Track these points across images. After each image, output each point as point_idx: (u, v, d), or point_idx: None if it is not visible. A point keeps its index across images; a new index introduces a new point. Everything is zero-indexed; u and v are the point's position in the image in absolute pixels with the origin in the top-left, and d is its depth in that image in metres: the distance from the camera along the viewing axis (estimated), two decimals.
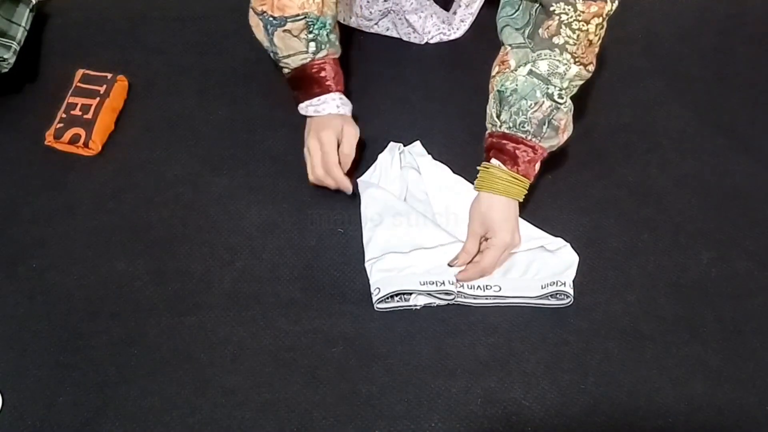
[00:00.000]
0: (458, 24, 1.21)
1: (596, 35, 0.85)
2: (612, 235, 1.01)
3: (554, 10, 0.83)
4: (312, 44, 0.97)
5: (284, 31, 0.96)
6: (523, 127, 0.88)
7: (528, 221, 1.00)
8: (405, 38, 1.22)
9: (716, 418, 0.85)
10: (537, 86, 0.87)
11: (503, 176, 0.90)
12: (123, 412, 0.85)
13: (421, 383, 0.88)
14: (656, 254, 0.99)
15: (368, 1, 1.18)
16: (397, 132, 1.10)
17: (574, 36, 0.84)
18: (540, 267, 0.94)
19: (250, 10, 0.98)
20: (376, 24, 1.22)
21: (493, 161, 0.91)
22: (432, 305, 0.93)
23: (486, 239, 0.93)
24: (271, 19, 0.96)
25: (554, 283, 0.92)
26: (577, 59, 0.86)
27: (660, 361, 0.89)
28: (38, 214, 1.03)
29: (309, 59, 0.98)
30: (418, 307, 0.93)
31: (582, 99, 1.15)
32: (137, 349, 0.90)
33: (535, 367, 0.89)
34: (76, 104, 1.11)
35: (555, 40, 0.85)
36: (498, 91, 0.90)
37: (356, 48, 1.23)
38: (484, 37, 1.22)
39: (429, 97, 1.14)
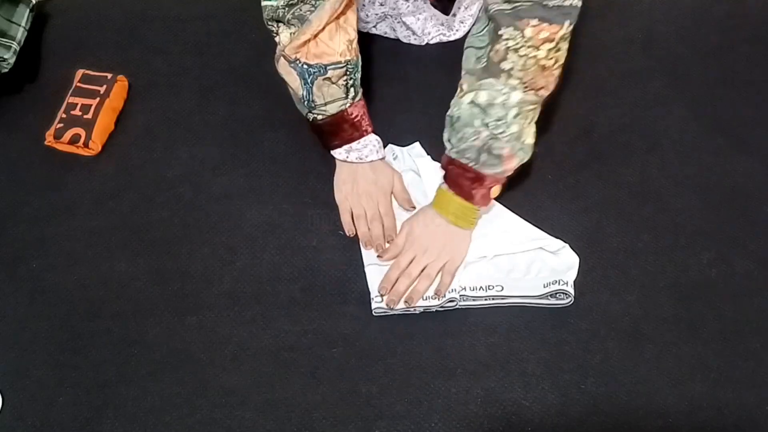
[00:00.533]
0: (458, 25, 1.21)
1: (550, 59, 0.81)
2: (612, 235, 1.00)
3: (501, 35, 0.80)
4: (351, 90, 0.96)
5: (324, 79, 0.93)
6: (465, 153, 0.88)
7: (528, 221, 1.00)
8: (405, 40, 1.22)
9: (716, 418, 0.85)
10: (476, 116, 0.86)
11: (453, 204, 0.93)
12: (123, 412, 0.85)
13: (421, 383, 0.88)
14: (656, 254, 0.99)
15: (364, 5, 1.17)
16: (397, 132, 1.10)
17: (521, 62, 0.81)
18: (541, 267, 0.94)
19: (281, 57, 0.93)
20: (373, 27, 1.22)
21: (444, 186, 0.94)
22: (431, 310, 0.93)
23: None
24: (307, 67, 0.92)
25: (556, 282, 0.92)
26: (526, 85, 0.82)
27: (660, 361, 0.89)
28: (38, 214, 1.03)
29: (348, 105, 0.96)
30: (418, 312, 0.93)
31: (582, 99, 1.15)
32: (137, 349, 0.90)
33: (535, 368, 0.89)
34: (76, 104, 1.11)
35: (502, 65, 0.82)
36: (449, 115, 0.90)
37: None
38: None
39: (429, 97, 1.14)
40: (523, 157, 0.89)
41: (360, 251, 0.98)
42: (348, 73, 0.94)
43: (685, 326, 0.92)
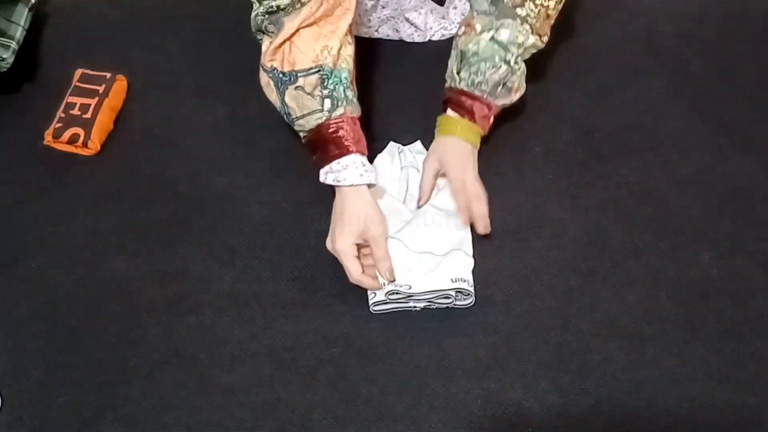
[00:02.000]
0: (459, 18, 1.21)
1: (554, 10, 0.95)
2: (612, 235, 1.00)
3: None
4: (327, 101, 0.88)
5: (296, 88, 0.88)
6: (480, 86, 0.96)
7: (528, 221, 1.00)
8: (408, 40, 1.22)
9: (717, 418, 0.85)
10: (497, 51, 0.95)
11: (460, 124, 0.98)
12: (123, 413, 0.85)
13: (421, 383, 0.87)
14: (657, 254, 0.98)
15: (366, 10, 1.17)
16: (397, 132, 1.10)
17: (536, 10, 0.93)
18: (448, 264, 0.93)
19: (260, 68, 0.91)
20: (376, 31, 1.22)
21: (450, 112, 0.99)
22: (431, 307, 0.93)
23: (442, 175, 1.00)
24: (281, 76, 0.89)
25: (463, 279, 0.91)
26: (534, 30, 0.95)
27: (661, 361, 0.89)
28: (38, 214, 1.03)
29: (325, 118, 0.89)
30: (418, 309, 0.93)
31: (582, 99, 1.15)
32: (137, 349, 0.90)
33: (536, 368, 0.89)
34: (75, 104, 1.11)
35: (518, 11, 0.93)
36: (461, 50, 0.97)
37: (356, 47, 1.22)
38: None
39: (429, 96, 1.14)
40: (522, 91, 1.00)
41: None
42: (323, 81, 0.88)
43: (685, 326, 0.92)
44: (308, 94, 0.89)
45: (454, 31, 1.21)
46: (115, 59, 1.20)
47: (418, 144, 1.07)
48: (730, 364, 0.89)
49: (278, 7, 0.85)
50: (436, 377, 0.88)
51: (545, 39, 0.98)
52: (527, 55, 0.98)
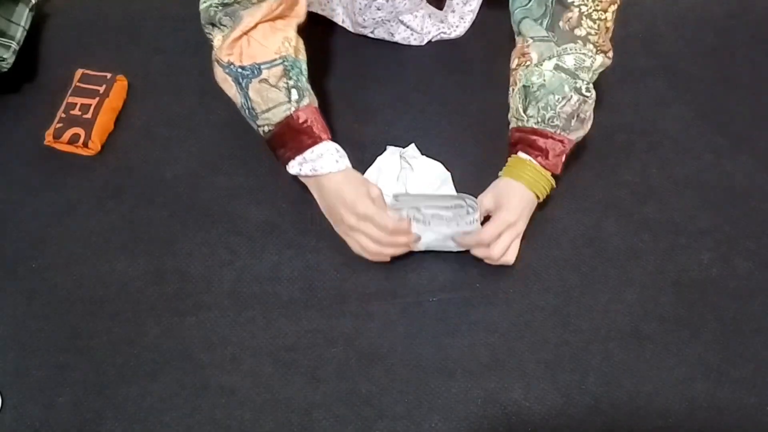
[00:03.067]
0: (457, 22, 1.21)
1: (612, 21, 0.88)
2: (612, 234, 1.00)
3: (573, 2, 0.85)
4: (294, 91, 0.87)
5: (260, 81, 0.86)
6: (552, 122, 0.88)
7: (528, 221, 1.00)
8: (404, 42, 1.22)
9: (717, 418, 0.85)
10: (565, 81, 0.87)
11: (531, 168, 0.90)
12: (123, 413, 0.85)
13: (421, 383, 0.87)
14: (656, 254, 0.98)
15: (360, 8, 1.17)
16: (396, 132, 1.10)
17: (595, 26, 0.85)
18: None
19: (214, 63, 0.88)
20: (371, 32, 1.21)
21: (521, 155, 0.91)
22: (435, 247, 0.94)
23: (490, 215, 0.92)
24: (241, 70, 0.86)
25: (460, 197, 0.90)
26: (598, 48, 0.88)
27: (660, 361, 0.89)
28: (38, 214, 1.03)
29: (294, 108, 0.88)
30: (421, 248, 0.93)
31: None
32: (137, 349, 0.90)
33: (536, 368, 0.89)
34: (76, 104, 1.11)
35: (577, 32, 0.86)
36: (524, 86, 0.90)
37: (355, 48, 1.22)
38: (483, 37, 1.22)
39: (429, 97, 1.14)
40: (592, 121, 0.92)
41: None
42: (287, 72, 0.87)
43: (685, 326, 0.92)
44: (273, 86, 0.87)
45: (453, 35, 1.21)
46: (115, 59, 1.20)
47: (411, 148, 1.06)
48: (730, 364, 0.89)
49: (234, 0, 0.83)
50: (436, 377, 0.88)
51: (611, 54, 0.90)
52: (595, 78, 0.91)
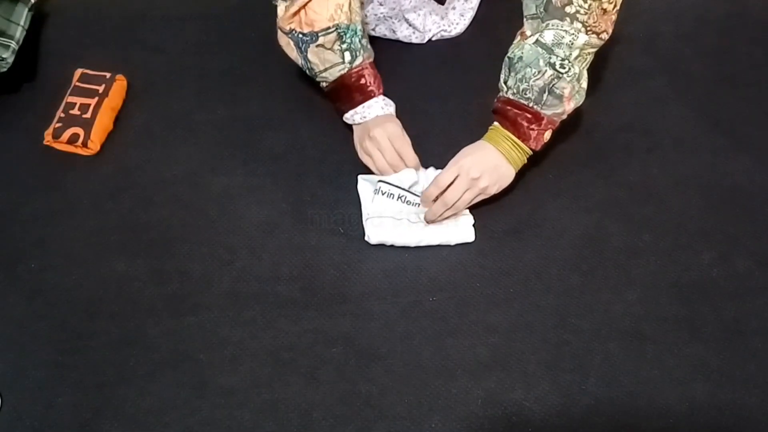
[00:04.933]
0: (458, 19, 1.21)
1: (611, 3, 0.87)
2: (613, 234, 1.00)
3: None
4: (347, 54, 0.98)
5: (317, 46, 0.97)
6: (525, 94, 0.91)
7: (528, 221, 1.00)
8: (405, 41, 1.22)
9: (717, 418, 0.85)
10: (540, 55, 0.89)
11: (506, 137, 0.94)
12: (122, 413, 0.85)
13: (421, 383, 0.87)
14: (657, 254, 0.98)
15: (361, 3, 1.17)
16: None
17: (586, 5, 0.87)
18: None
19: (278, 30, 0.99)
20: (372, 30, 1.21)
21: (497, 124, 0.96)
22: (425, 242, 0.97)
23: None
24: (301, 36, 0.97)
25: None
26: (588, 28, 0.88)
27: (661, 361, 0.89)
28: (37, 214, 1.03)
29: (347, 69, 0.99)
30: (412, 245, 0.97)
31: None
32: (136, 350, 0.90)
33: (536, 368, 0.89)
34: (75, 104, 1.11)
35: (567, 9, 0.88)
36: (508, 57, 0.94)
37: None
38: (484, 35, 1.22)
39: (429, 96, 1.14)
40: (579, 100, 0.93)
41: (360, 251, 0.98)
42: (341, 37, 0.96)
43: (686, 326, 0.92)
44: (329, 49, 0.97)
45: (453, 33, 1.21)
46: (115, 59, 1.20)
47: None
48: (731, 364, 0.89)
49: None
50: (436, 377, 0.88)
51: (605, 36, 0.90)
52: (586, 57, 0.91)
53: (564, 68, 0.89)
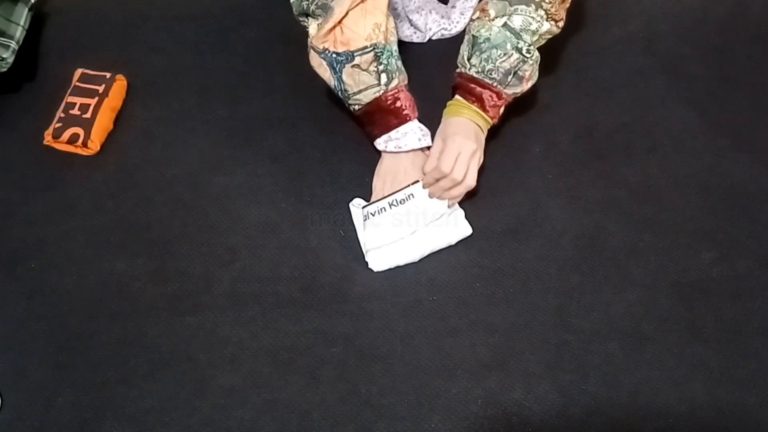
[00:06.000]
0: (458, 17, 1.21)
1: None
2: (613, 234, 1.00)
3: None
4: (384, 75, 0.94)
5: (353, 66, 0.93)
6: (490, 74, 0.94)
7: (528, 221, 1.00)
8: (407, 40, 1.22)
9: (717, 418, 0.85)
10: (508, 39, 0.93)
11: (468, 108, 0.96)
12: (122, 413, 0.85)
13: (421, 383, 0.87)
14: (657, 254, 0.98)
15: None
16: None
17: None
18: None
19: (310, 50, 0.94)
20: None
21: (458, 97, 0.97)
22: (428, 252, 0.97)
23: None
24: (335, 56, 0.93)
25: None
26: (549, 16, 0.93)
27: (661, 361, 0.89)
28: (37, 214, 1.03)
29: (382, 91, 0.95)
30: (416, 260, 0.96)
31: (583, 98, 1.15)
32: (136, 350, 0.90)
33: (536, 368, 0.89)
34: (75, 104, 1.11)
35: None
36: (473, 35, 0.95)
37: None
38: None
39: (429, 97, 1.14)
40: (534, 80, 0.97)
41: (359, 251, 0.98)
42: (377, 57, 0.93)
43: (686, 326, 0.92)
44: (364, 70, 0.93)
45: (453, 32, 1.21)
46: (115, 59, 1.20)
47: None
48: (731, 364, 0.89)
49: None
50: (436, 377, 0.88)
51: (561, 24, 0.95)
52: (542, 42, 0.96)
53: (530, 53, 0.94)
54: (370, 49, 0.92)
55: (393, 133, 0.97)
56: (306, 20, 0.93)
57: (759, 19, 1.28)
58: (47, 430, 0.84)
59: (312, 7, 0.90)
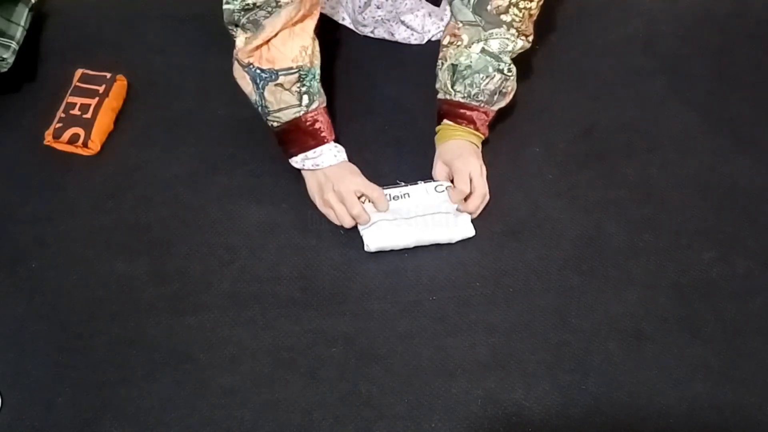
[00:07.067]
0: None
1: (537, 9, 0.96)
2: (613, 234, 1.00)
3: None
4: (305, 97, 0.94)
5: (276, 84, 0.92)
6: (477, 97, 0.99)
7: (528, 221, 1.00)
8: (404, 42, 1.22)
9: (717, 418, 0.85)
10: (489, 62, 0.97)
11: (460, 129, 1.01)
12: (122, 413, 0.85)
13: (421, 383, 0.87)
14: (657, 254, 0.98)
15: (360, 6, 1.17)
16: (395, 133, 1.10)
17: (520, 14, 0.94)
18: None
19: (235, 62, 0.94)
20: (371, 32, 1.21)
21: (447, 122, 1.01)
22: (425, 243, 0.97)
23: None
24: (259, 72, 0.92)
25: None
26: (520, 33, 0.96)
27: (661, 361, 0.89)
28: (38, 214, 1.03)
29: (302, 112, 0.95)
30: (410, 245, 0.97)
31: (583, 98, 1.15)
32: (136, 350, 0.90)
33: (536, 368, 0.89)
34: (75, 104, 1.11)
35: (503, 17, 0.94)
36: (452, 64, 0.99)
37: (355, 48, 1.22)
38: None
39: (429, 97, 1.14)
40: (514, 89, 1.02)
41: (360, 251, 0.98)
42: (301, 79, 0.93)
43: (686, 326, 0.92)
44: (287, 90, 0.94)
45: None
46: (115, 59, 1.20)
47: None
48: (731, 364, 0.89)
49: (254, 4, 0.87)
50: (436, 377, 0.88)
51: (531, 38, 0.99)
52: (515, 56, 0.99)
53: (510, 71, 0.98)
54: (296, 70, 0.92)
55: (310, 153, 0.98)
56: (235, 31, 0.91)
57: (759, 19, 1.28)
58: (47, 430, 0.84)
59: (243, 20, 0.88)
